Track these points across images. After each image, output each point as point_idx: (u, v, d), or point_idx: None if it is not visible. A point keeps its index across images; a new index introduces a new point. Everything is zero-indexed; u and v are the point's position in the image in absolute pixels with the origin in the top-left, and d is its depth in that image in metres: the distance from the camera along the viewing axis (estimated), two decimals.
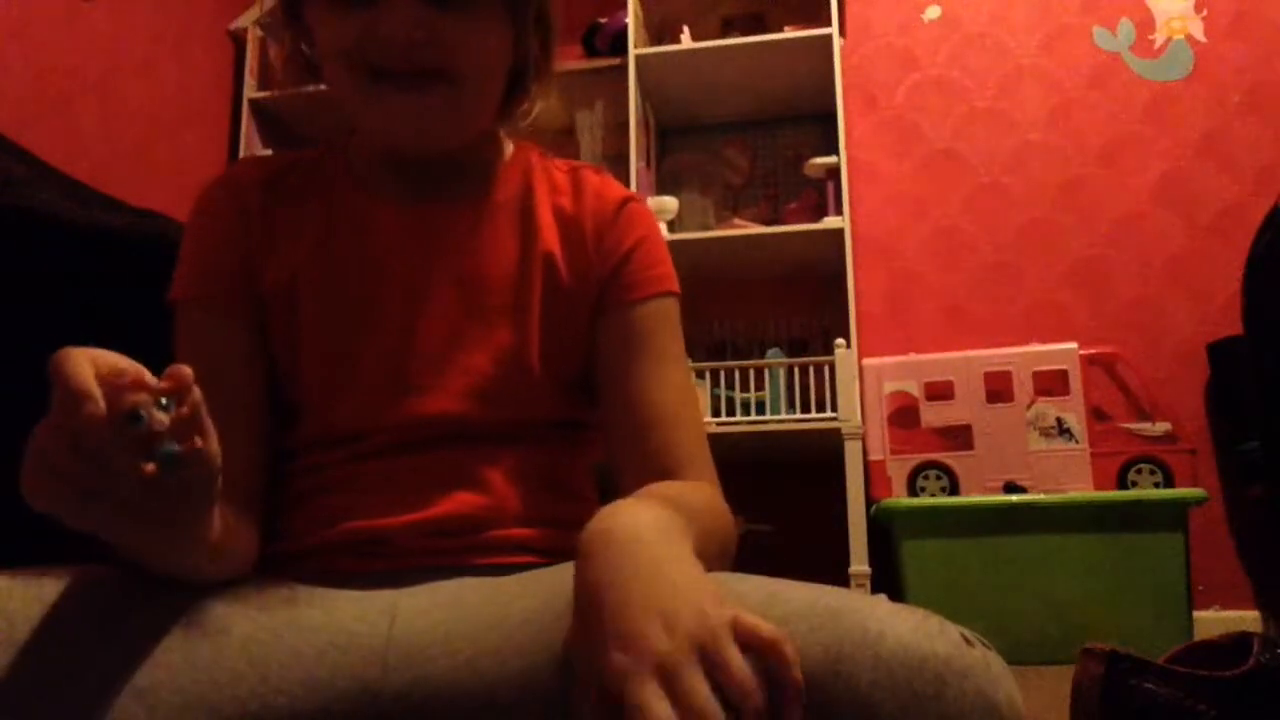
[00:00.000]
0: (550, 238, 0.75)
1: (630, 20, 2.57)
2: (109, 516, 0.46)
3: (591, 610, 0.47)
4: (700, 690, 0.41)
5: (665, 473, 0.69)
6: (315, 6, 0.69)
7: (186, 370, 0.47)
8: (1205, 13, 2.64)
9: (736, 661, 0.43)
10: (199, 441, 0.47)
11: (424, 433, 0.69)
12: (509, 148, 0.80)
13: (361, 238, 0.73)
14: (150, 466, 0.45)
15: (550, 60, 0.76)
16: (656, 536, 0.51)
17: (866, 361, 2.38)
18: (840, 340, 2.27)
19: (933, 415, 2.30)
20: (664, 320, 0.75)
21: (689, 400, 0.74)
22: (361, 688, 0.55)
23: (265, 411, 0.71)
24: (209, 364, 0.68)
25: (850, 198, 2.42)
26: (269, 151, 2.79)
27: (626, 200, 0.78)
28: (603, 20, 2.69)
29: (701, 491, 0.68)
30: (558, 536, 0.69)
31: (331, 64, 0.69)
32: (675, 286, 0.77)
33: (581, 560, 0.50)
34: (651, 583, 0.47)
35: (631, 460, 0.70)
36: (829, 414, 2.27)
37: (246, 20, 2.87)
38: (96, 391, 0.44)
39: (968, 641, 0.49)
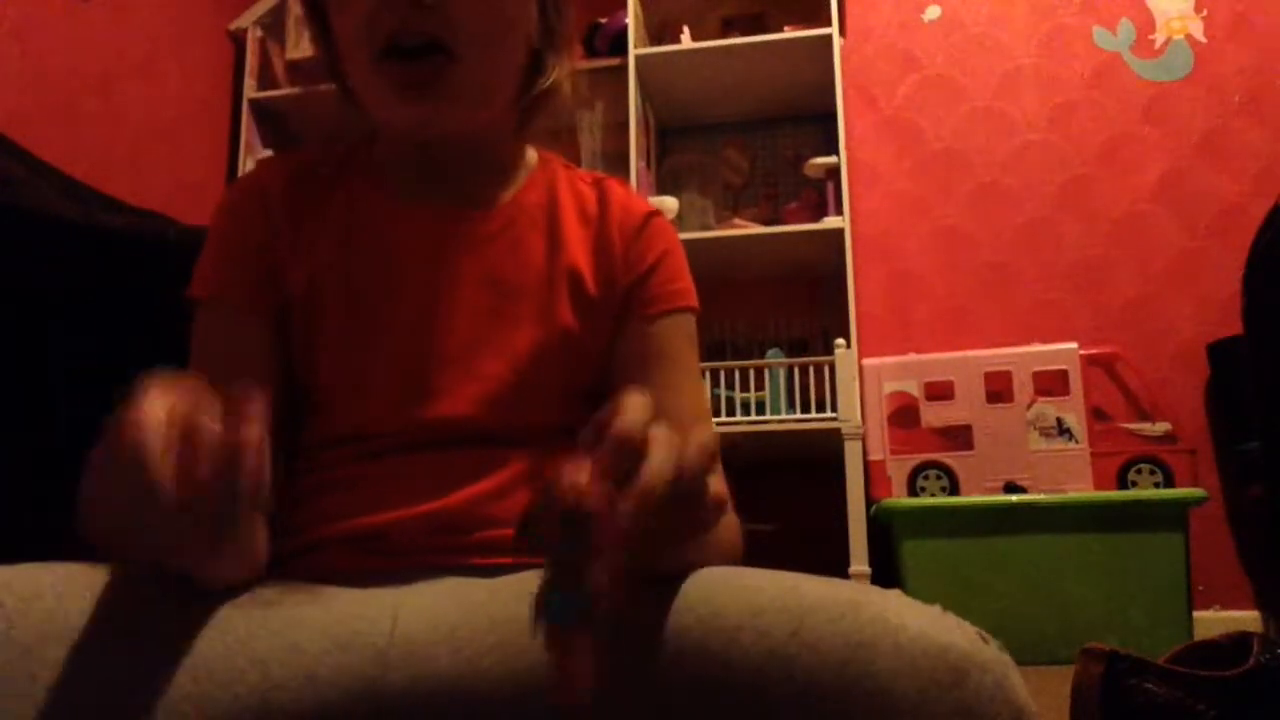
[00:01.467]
0: (577, 248, 0.75)
1: (630, 20, 2.58)
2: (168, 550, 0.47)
3: None
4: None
5: None
6: (332, 3, 0.69)
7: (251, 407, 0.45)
8: (1205, 13, 2.64)
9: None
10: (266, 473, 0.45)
11: (431, 435, 0.69)
12: (533, 154, 0.80)
13: (384, 239, 0.73)
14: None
15: (566, 35, 0.74)
16: None
17: (866, 361, 2.38)
18: (840, 340, 2.27)
19: (933, 415, 2.30)
20: (682, 335, 0.75)
21: (701, 413, 0.75)
22: (364, 685, 0.55)
23: (277, 410, 0.70)
24: (224, 361, 0.69)
25: (850, 198, 2.42)
26: (269, 152, 2.79)
27: (652, 214, 0.79)
28: (603, 20, 2.69)
29: None
30: None
31: (349, 56, 0.69)
32: (695, 302, 0.77)
33: None
34: None
35: None
36: (829, 414, 2.27)
37: (246, 20, 2.87)
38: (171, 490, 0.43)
39: (983, 640, 0.50)
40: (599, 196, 0.78)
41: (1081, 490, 2.18)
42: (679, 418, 0.72)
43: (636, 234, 0.77)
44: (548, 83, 0.73)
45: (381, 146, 0.77)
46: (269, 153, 2.78)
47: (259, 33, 2.85)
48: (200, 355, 0.70)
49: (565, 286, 0.74)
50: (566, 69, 0.74)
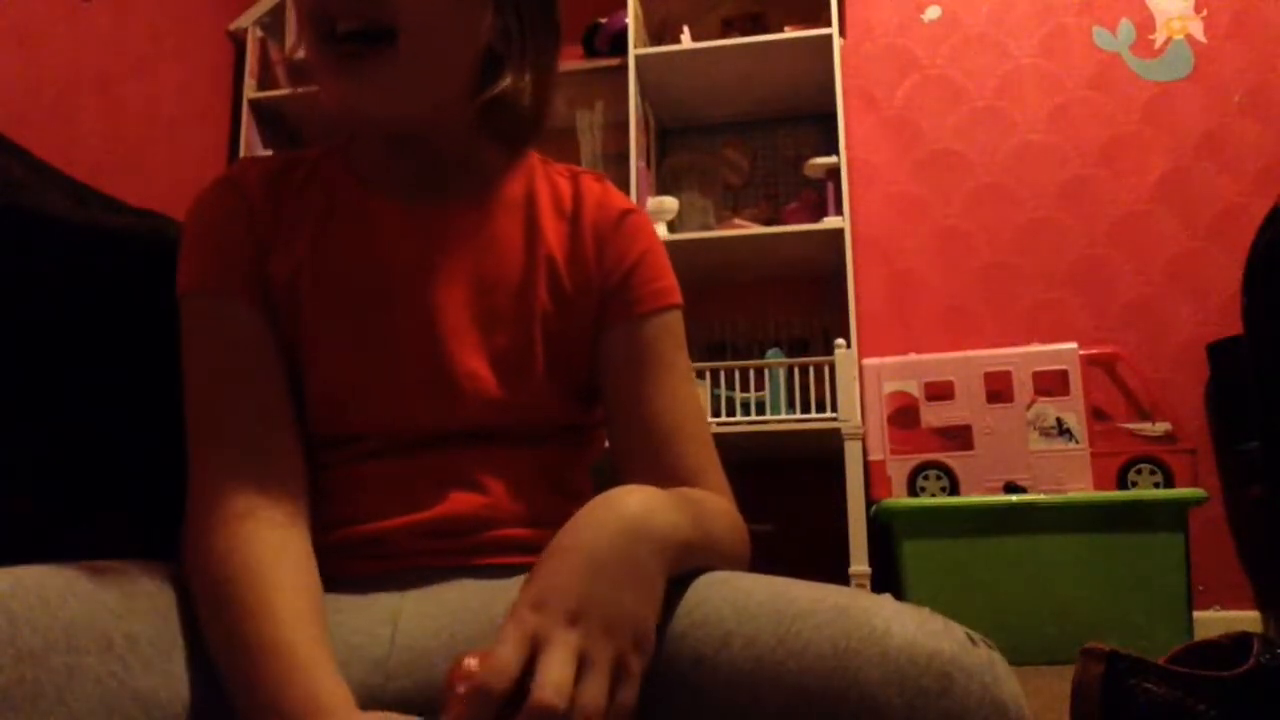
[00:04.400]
0: (554, 243, 0.74)
1: (630, 20, 2.57)
2: None
3: (543, 559, 0.52)
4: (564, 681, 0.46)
5: (677, 485, 0.69)
6: None
7: None
8: (1205, 13, 2.64)
9: (598, 686, 0.46)
10: None
11: (424, 436, 0.69)
12: (509, 152, 0.79)
13: (363, 236, 0.72)
14: None
15: (532, 47, 0.72)
16: (641, 537, 0.53)
17: (866, 361, 2.38)
18: (840, 340, 2.27)
19: (933, 415, 2.30)
20: (669, 334, 0.75)
21: (696, 413, 0.74)
22: (366, 693, 0.55)
23: (293, 400, 0.69)
24: (237, 355, 0.67)
25: (850, 198, 2.42)
26: (269, 152, 2.79)
27: (628, 212, 0.77)
28: (603, 20, 2.69)
29: (717, 501, 0.69)
30: None
31: (305, 39, 0.69)
32: (679, 299, 0.76)
33: (574, 518, 0.54)
34: (598, 577, 0.50)
35: (642, 475, 0.70)
36: (829, 414, 2.27)
37: (246, 20, 2.87)
38: None
39: (972, 641, 0.49)
40: (574, 192, 0.77)
41: (1081, 490, 2.18)
42: (673, 420, 0.72)
43: (612, 232, 0.76)
44: (497, 89, 0.71)
45: (359, 145, 0.77)
46: (269, 153, 2.78)
47: (259, 33, 2.85)
48: (202, 349, 0.68)
49: (544, 278, 0.73)
50: (528, 79, 0.72)
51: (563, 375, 0.73)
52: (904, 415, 2.33)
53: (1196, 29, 2.64)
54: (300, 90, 2.74)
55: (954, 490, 2.25)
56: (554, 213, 0.76)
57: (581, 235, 0.75)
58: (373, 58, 0.66)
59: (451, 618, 0.60)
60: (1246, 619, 2.32)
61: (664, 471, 0.69)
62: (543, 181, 0.78)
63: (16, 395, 0.71)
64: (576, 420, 0.75)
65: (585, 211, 0.76)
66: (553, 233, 0.75)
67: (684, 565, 0.56)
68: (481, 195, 0.75)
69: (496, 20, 0.70)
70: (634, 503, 0.55)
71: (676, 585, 0.56)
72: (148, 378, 0.74)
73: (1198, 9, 2.65)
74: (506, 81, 0.71)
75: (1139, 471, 2.20)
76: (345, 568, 0.65)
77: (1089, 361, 2.29)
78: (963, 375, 2.30)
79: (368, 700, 0.55)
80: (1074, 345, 2.30)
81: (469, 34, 0.69)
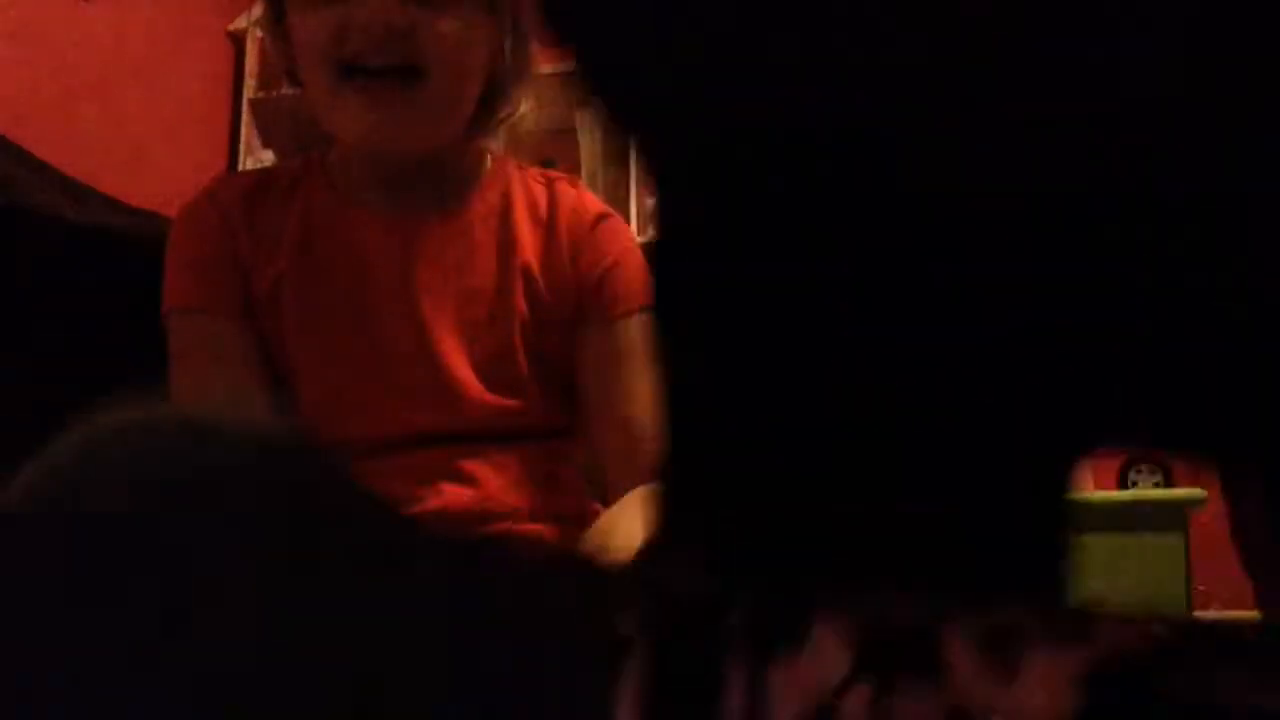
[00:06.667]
0: (529, 250, 0.75)
1: None
2: None
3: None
4: None
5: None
6: (295, 5, 0.69)
7: None
8: None
9: None
10: None
11: (413, 439, 0.69)
12: (488, 159, 0.80)
13: (342, 247, 0.73)
14: None
15: (528, 65, 0.74)
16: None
17: None
18: None
19: None
20: (645, 334, 0.76)
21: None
22: None
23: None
24: (220, 371, 0.69)
25: None
26: (269, 152, 2.80)
27: (603, 216, 0.79)
28: None
29: None
30: (553, 533, 0.69)
31: (306, 64, 0.69)
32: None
33: (602, 520, 0.58)
34: None
35: (623, 474, 0.71)
36: None
37: (246, 21, 2.87)
38: None
39: None
40: (549, 198, 0.79)
41: (1081, 490, 2.18)
42: (652, 419, 0.72)
43: (587, 237, 0.77)
44: (514, 113, 0.75)
45: (339, 154, 0.77)
46: (269, 153, 2.78)
47: (259, 33, 2.85)
48: (187, 366, 0.69)
49: (520, 287, 0.74)
50: (532, 100, 0.76)
51: (547, 379, 0.74)
52: None
53: None
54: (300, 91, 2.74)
55: None
56: (530, 220, 0.77)
57: (557, 241, 0.76)
58: (404, 94, 0.66)
59: None
60: (1246, 619, 2.32)
61: (646, 470, 0.70)
62: (519, 189, 0.79)
63: (16, 395, 0.71)
64: (565, 421, 0.76)
65: (561, 218, 0.77)
66: (528, 241, 0.76)
67: None
68: (459, 205, 0.76)
69: (505, 48, 0.72)
70: None
71: None
72: (146, 377, 0.75)
73: None
74: (520, 105, 0.75)
75: (1139, 471, 2.20)
76: None
77: None
78: None
79: None
80: None
81: (486, 64, 0.71)
